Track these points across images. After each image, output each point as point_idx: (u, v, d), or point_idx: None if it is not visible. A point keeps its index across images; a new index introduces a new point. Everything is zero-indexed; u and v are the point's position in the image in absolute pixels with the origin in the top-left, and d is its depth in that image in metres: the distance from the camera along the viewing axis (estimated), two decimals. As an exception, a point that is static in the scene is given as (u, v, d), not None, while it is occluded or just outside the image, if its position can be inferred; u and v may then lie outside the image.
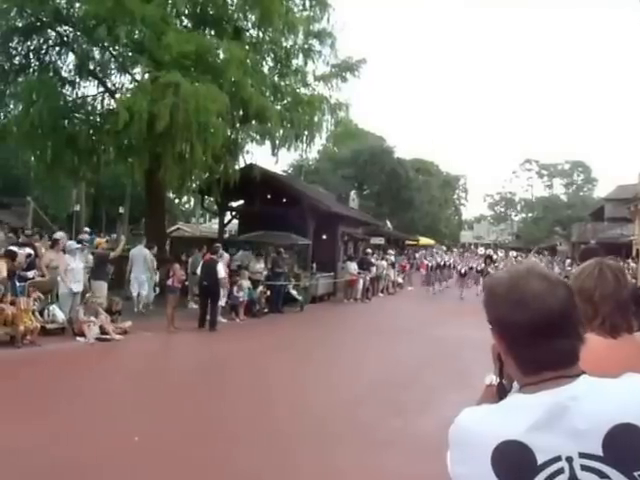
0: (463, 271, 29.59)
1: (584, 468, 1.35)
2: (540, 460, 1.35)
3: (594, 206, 57.51)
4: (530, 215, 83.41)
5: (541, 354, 1.44)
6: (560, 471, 1.35)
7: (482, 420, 1.46)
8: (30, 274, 12.99)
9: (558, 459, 1.35)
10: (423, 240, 51.56)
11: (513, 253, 38.14)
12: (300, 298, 19.48)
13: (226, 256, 17.56)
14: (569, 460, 1.35)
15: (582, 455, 1.35)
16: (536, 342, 1.43)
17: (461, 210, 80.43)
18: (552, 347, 1.43)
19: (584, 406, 1.38)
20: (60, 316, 12.64)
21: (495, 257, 33.49)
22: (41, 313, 12.36)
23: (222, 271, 15.23)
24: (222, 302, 16.03)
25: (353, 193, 36.22)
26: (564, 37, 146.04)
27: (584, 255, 4.03)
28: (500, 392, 1.76)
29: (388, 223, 44.37)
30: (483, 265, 28.02)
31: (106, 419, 7.23)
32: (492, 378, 1.87)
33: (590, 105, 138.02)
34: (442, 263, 32.57)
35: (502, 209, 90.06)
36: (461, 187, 77.04)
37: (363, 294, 24.50)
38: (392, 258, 30.46)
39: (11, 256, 12.28)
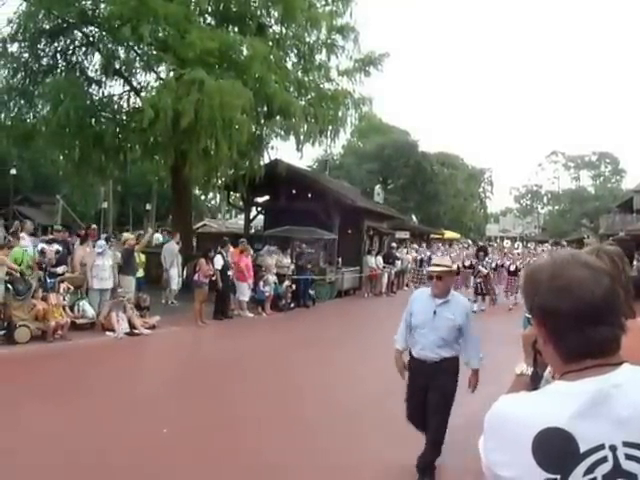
0: (454, 267, 22.66)
1: (629, 457, 1.34)
2: (583, 448, 1.34)
3: (622, 198, 56.68)
4: (557, 208, 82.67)
5: (584, 342, 1.42)
6: (603, 460, 1.33)
7: (522, 407, 1.44)
8: (60, 270, 13.23)
9: (601, 447, 1.34)
10: (448, 234, 51.21)
11: (547, 246, 35.66)
12: (312, 293, 19.53)
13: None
14: (613, 449, 1.34)
15: (626, 444, 1.34)
16: (579, 329, 1.42)
17: (486, 203, 79.70)
18: (595, 335, 1.41)
19: (628, 394, 1.37)
20: (90, 311, 12.86)
21: (510, 249, 27.42)
22: (71, 308, 12.59)
23: (217, 263, 15.36)
24: (246, 297, 16.16)
25: (378, 187, 36.18)
26: (592, 26, 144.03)
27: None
28: (534, 380, 1.77)
29: (413, 217, 44.23)
30: (475, 260, 20.84)
31: (135, 411, 7.36)
32: (523, 367, 1.87)
33: (618, 95, 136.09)
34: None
35: (528, 202, 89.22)
36: (486, 180, 76.30)
37: (388, 288, 24.48)
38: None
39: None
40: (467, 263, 22.13)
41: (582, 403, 1.36)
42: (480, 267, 19.68)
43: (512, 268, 21.29)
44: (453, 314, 5.45)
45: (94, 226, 19.69)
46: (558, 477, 1.34)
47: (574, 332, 1.42)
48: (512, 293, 20.76)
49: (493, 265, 21.78)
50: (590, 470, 1.33)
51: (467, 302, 5.87)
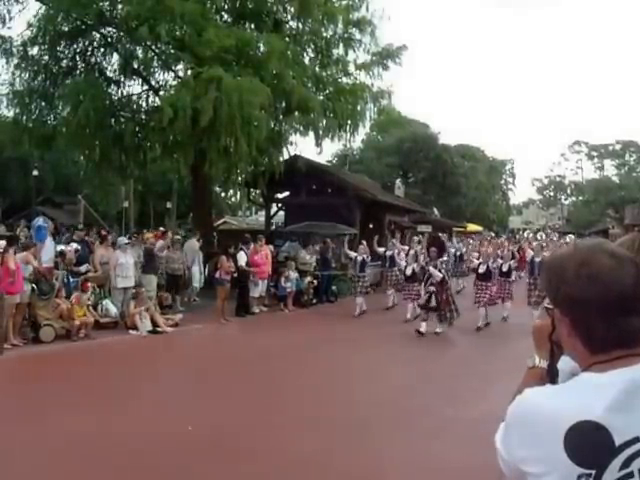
0: (409, 272, 15.51)
1: None
2: (618, 441, 1.29)
3: (648, 187, 55.91)
4: (580, 198, 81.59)
5: (612, 332, 1.38)
6: (639, 453, 1.29)
7: (551, 400, 1.39)
8: (82, 268, 13.37)
9: (636, 440, 1.30)
10: (471, 227, 50.88)
11: (571, 236, 34.79)
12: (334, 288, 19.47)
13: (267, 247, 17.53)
14: None
15: None
16: (608, 319, 1.37)
17: (509, 195, 79.06)
18: (623, 325, 1.37)
19: None
20: (113, 310, 12.97)
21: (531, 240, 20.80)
22: (95, 307, 12.71)
23: (240, 260, 15.41)
24: (255, 293, 16.12)
25: (398, 181, 36.03)
26: (614, 13, 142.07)
27: None
28: (551, 374, 1.70)
29: (435, 210, 43.99)
30: (427, 257, 14.81)
31: (160, 409, 7.40)
32: (535, 359, 1.82)
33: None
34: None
35: (551, 193, 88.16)
36: (508, 172, 75.68)
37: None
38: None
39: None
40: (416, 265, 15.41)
41: (615, 395, 1.31)
42: (432, 269, 13.78)
43: (494, 266, 15.46)
44: None
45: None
46: (593, 472, 1.29)
47: (604, 322, 1.37)
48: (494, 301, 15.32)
49: (483, 269, 15.29)
50: (626, 464, 1.29)
51: None
